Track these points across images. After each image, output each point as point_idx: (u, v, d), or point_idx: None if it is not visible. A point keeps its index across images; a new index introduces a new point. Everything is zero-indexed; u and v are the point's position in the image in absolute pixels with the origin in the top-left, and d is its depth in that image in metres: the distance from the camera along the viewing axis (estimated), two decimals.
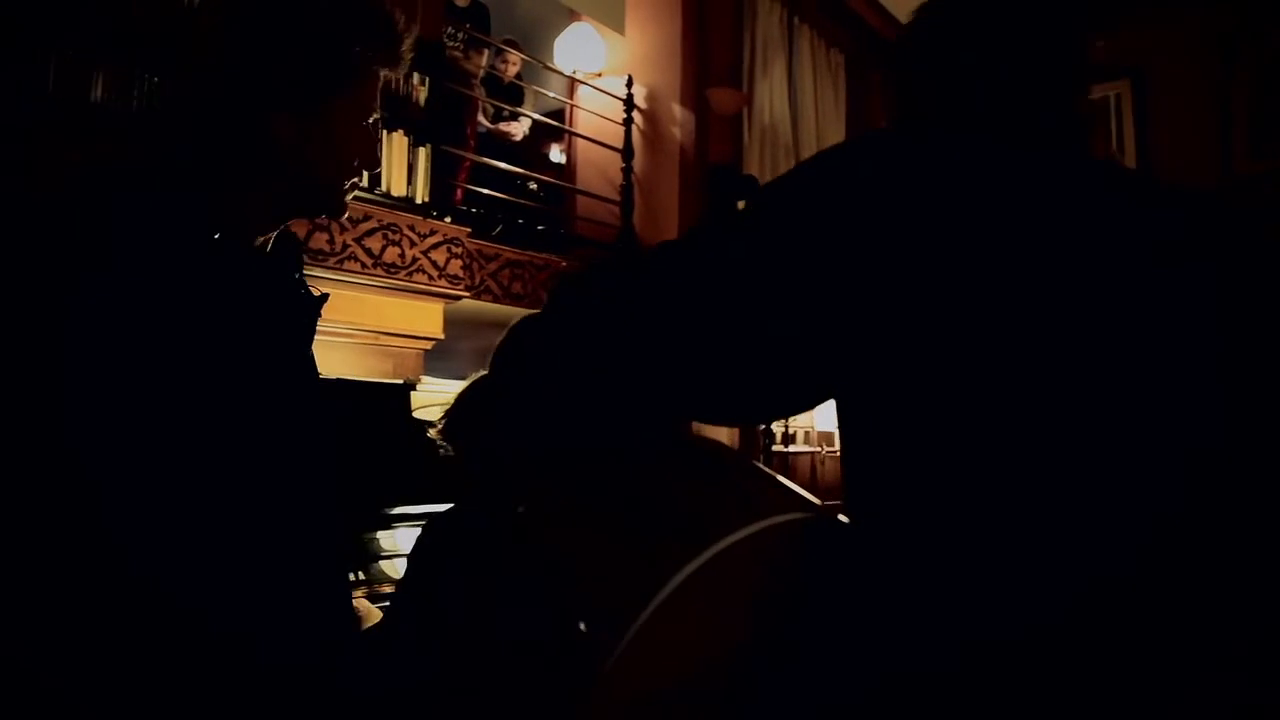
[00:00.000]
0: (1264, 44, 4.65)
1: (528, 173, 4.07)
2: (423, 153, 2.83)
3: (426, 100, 2.83)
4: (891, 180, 0.78)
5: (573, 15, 4.38)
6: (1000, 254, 0.76)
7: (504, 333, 0.91)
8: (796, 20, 5.08)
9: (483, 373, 2.17)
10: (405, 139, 2.73)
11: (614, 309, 0.85)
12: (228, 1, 1.02)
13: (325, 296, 1.10)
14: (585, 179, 4.47)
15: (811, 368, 0.80)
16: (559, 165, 4.74)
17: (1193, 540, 0.75)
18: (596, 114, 4.24)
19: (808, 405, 0.87)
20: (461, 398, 1.29)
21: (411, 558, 2.09)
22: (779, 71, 4.92)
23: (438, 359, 2.97)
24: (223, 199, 0.99)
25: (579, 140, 4.47)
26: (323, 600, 0.99)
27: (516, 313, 3.58)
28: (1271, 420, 0.78)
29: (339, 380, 2.54)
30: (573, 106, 4.43)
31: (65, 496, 0.82)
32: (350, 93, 1.04)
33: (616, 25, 4.10)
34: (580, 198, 4.41)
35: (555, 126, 4.32)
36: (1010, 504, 0.73)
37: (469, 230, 3.02)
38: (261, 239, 1.05)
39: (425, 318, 2.84)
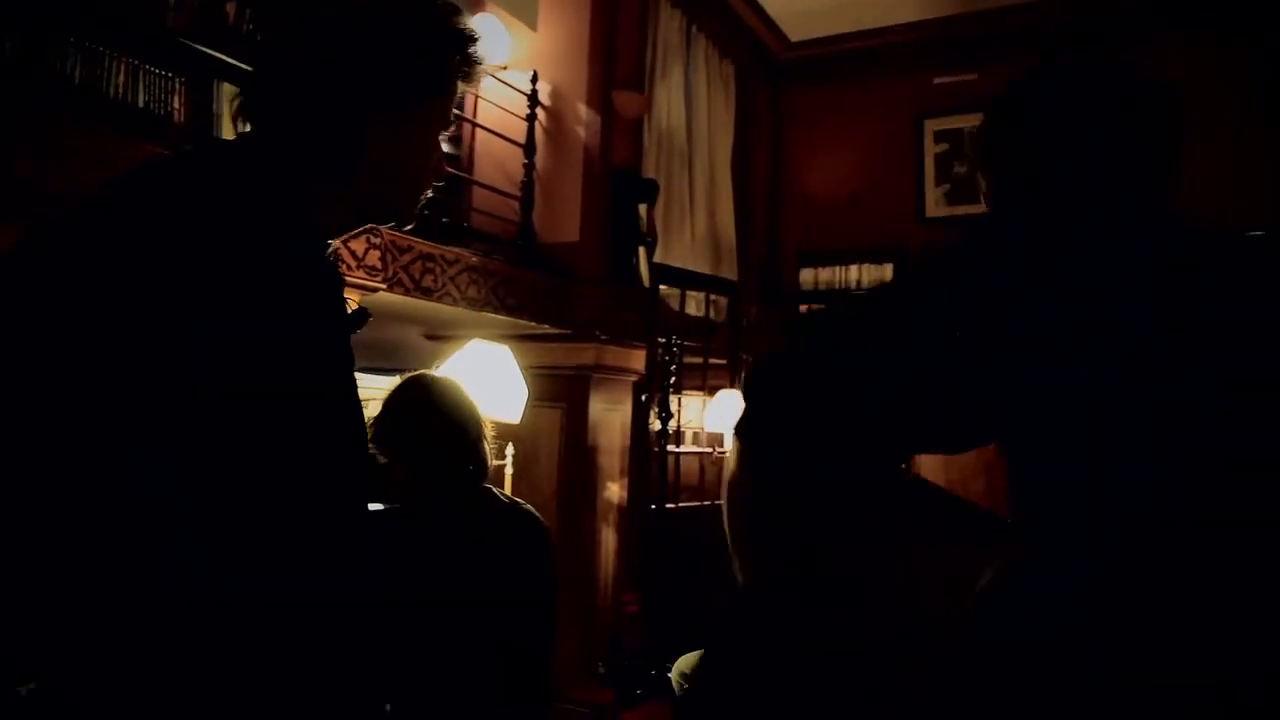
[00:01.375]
0: None
1: None
2: None
3: None
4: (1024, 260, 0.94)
5: (477, 5, 4.30)
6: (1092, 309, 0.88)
7: (759, 363, 0.98)
8: (694, 28, 5.18)
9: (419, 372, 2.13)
10: None
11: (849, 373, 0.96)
12: (335, 5, 1.02)
13: (365, 312, 1.10)
14: (482, 172, 4.40)
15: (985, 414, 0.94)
16: (454, 156, 4.64)
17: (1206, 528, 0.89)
18: (498, 106, 4.18)
19: (985, 442, 0.99)
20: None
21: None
22: (677, 78, 5.00)
23: None
24: (313, 197, 0.99)
25: (478, 132, 4.39)
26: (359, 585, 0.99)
27: (409, 303, 3.53)
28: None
29: None
30: (476, 97, 4.35)
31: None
32: (436, 104, 1.08)
33: (529, 20, 4.05)
34: (477, 191, 4.33)
35: (456, 115, 4.23)
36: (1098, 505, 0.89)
37: None
38: (335, 241, 1.07)
39: None
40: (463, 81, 1.10)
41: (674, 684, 2.59)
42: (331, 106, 0.98)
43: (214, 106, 2.31)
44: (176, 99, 2.24)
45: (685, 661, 2.59)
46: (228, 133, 2.36)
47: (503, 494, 2.14)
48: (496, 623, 1.85)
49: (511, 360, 2.65)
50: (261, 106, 1.02)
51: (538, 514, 2.12)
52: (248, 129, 1.04)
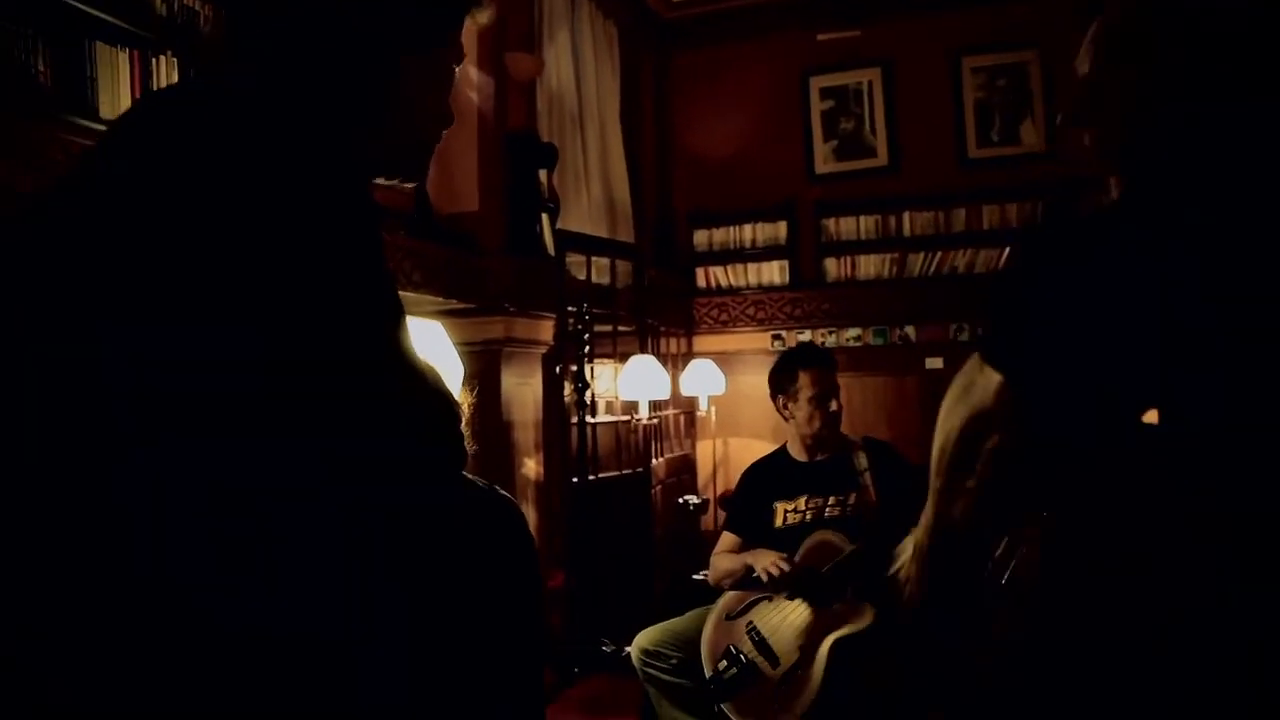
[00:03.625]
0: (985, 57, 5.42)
1: None
2: None
3: None
4: None
5: None
6: None
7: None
8: None
9: None
10: None
11: None
12: None
13: None
14: None
15: None
16: None
17: None
18: None
19: None
20: None
21: None
22: (563, 39, 4.86)
23: None
24: (350, 139, 0.91)
25: None
26: None
27: None
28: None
29: None
30: None
31: None
32: (453, 39, 0.99)
33: None
34: None
35: None
36: None
37: None
38: None
39: None
40: (474, 9, 1.02)
41: (634, 660, 2.50)
42: (362, 46, 0.91)
43: (88, 70, 2.04)
44: (40, 60, 1.97)
45: (645, 637, 2.50)
46: (110, 97, 2.11)
47: (479, 479, 1.99)
48: (481, 615, 1.72)
49: (445, 336, 2.48)
50: (278, 46, 0.91)
51: (514, 500, 1.98)
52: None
